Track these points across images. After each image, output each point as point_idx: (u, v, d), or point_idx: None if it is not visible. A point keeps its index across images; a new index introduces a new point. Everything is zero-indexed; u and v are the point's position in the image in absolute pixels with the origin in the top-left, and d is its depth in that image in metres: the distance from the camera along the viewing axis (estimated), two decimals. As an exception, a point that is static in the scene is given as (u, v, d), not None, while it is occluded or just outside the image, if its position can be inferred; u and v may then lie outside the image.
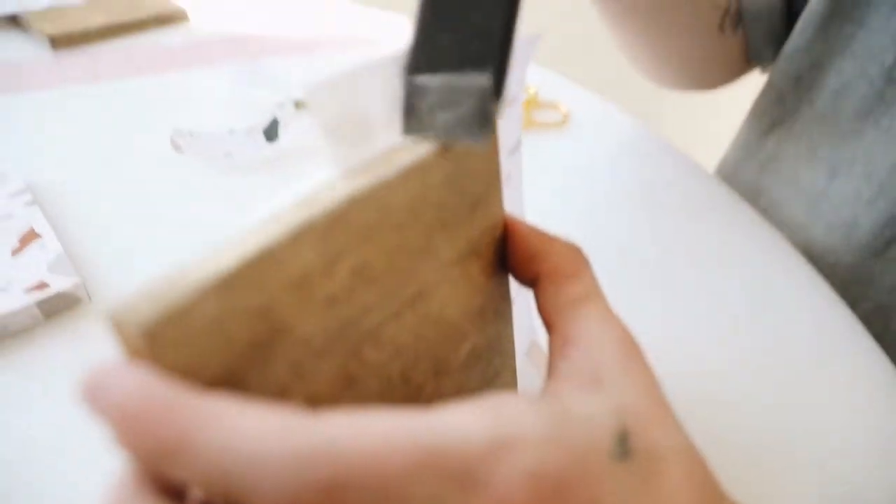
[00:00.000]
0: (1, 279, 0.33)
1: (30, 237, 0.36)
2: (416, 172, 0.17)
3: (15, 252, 0.35)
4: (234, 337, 0.14)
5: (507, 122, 0.23)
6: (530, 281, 0.22)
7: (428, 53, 0.18)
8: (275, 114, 0.46)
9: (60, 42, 0.61)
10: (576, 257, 0.21)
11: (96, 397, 0.13)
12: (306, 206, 0.16)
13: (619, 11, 0.46)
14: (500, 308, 0.23)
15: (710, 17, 0.47)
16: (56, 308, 0.33)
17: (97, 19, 0.64)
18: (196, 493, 0.13)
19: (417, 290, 0.19)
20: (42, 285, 0.33)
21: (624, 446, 0.16)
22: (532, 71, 0.60)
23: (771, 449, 0.29)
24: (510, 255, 0.22)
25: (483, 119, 0.17)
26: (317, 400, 0.16)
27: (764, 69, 0.53)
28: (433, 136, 0.18)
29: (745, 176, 0.51)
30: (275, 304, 0.15)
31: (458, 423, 0.14)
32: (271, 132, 0.45)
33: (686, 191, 0.46)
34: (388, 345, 0.18)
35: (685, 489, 0.17)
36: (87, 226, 0.40)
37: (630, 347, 0.19)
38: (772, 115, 0.48)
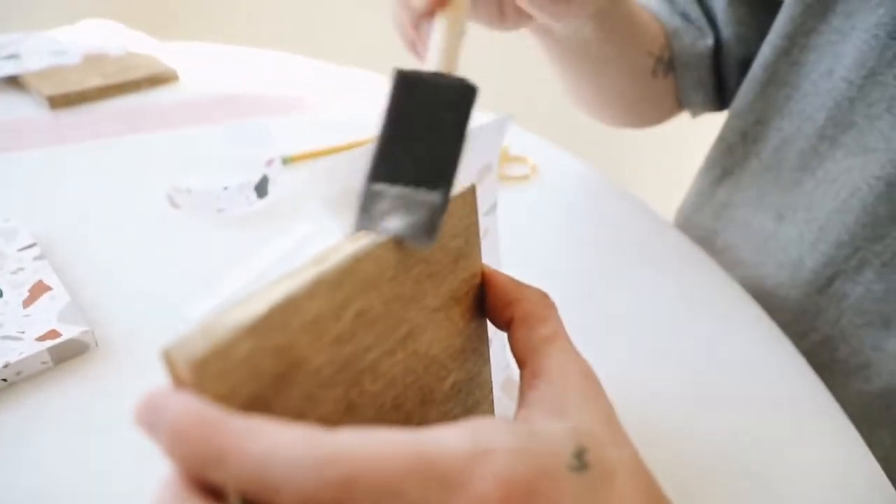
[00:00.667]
0: (14, 328, 0.36)
1: (40, 289, 0.39)
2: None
3: (26, 303, 0.38)
4: (261, 370, 0.18)
5: (485, 187, 0.27)
6: (505, 324, 0.26)
7: (387, 166, 0.22)
8: (264, 171, 0.50)
9: (58, 102, 0.65)
10: (545, 302, 0.25)
11: (151, 417, 0.16)
12: (318, 263, 0.19)
13: (557, 52, 0.50)
14: (480, 348, 0.27)
15: (643, 63, 0.53)
16: (66, 354, 0.36)
17: (93, 80, 0.68)
18: (232, 493, 0.16)
19: (408, 330, 0.22)
20: (53, 333, 0.36)
21: (581, 460, 0.20)
22: (502, 127, 0.65)
23: (722, 477, 0.33)
24: (488, 301, 0.26)
25: (432, 229, 0.21)
26: (325, 423, 0.20)
27: (694, 114, 0.58)
28: (381, 235, 0.21)
29: (701, 221, 0.56)
30: (294, 343, 0.18)
31: (444, 437, 0.18)
32: (262, 188, 0.49)
33: (644, 238, 0.50)
34: (383, 377, 0.22)
35: (634, 497, 0.20)
36: (92, 276, 0.43)
37: (590, 380, 0.23)
38: (723, 166, 0.53)
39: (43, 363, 0.35)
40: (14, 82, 0.70)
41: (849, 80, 0.42)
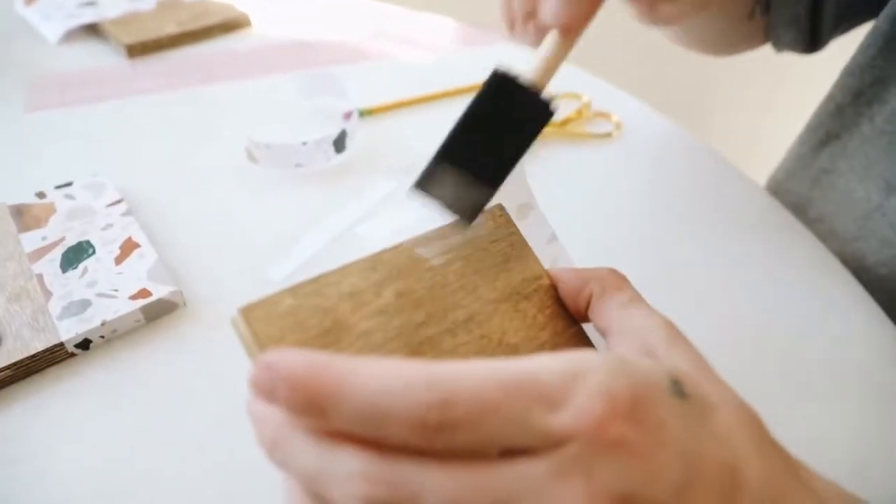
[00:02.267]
0: (108, 286, 0.37)
1: (129, 246, 0.40)
2: (433, 240, 0.26)
3: (118, 260, 0.39)
4: (306, 323, 0.22)
5: (532, 221, 0.30)
6: (583, 311, 0.26)
7: (458, 152, 0.25)
8: (343, 125, 0.49)
9: (135, 50, 0.65)
10: (616, 275, 0.26)
11: (267, 377, 0.18)
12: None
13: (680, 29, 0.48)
14: (580, 347, 0.27)
15: (743, 8, 0.49)
16: (157, 313, 0.37)
17: (168, 27, 0.68)
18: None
19: (468, 315, 0.25)
20: (144, 293, 0.36)
21: (678, 388, 0.19)
22: (584, 81, 0.61)
23: (811, 460, 0.31)
24: (562, 297, 0.27)
25: (472, 215, 0.26)
26: None
27: (779, 50, 0.54)
28: (431, 199, 0.26)
29: (796, 187, 0.52)
30: (334, 307, 0.23)
31: (540, 360, 0.18)
32: (340, 143, 0.48)
33: (735, 203, 0.47)
34: (450, 353, 0.24)
35: (739, 430, 0.20)
36: (175, 232, 0.43)
37: (675, 332, 0.23)
38: (828, 129, 0.49)
39: (136, 321, 0.36)
40: (93, 30, 0.70)
41: None
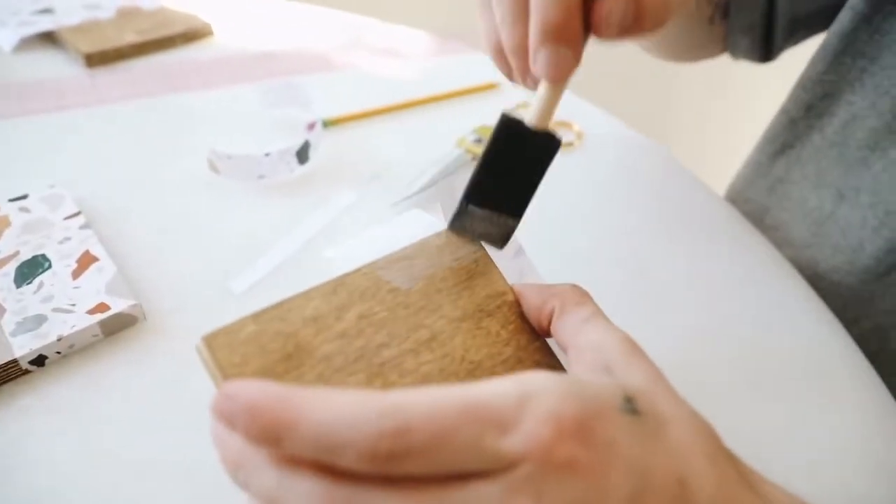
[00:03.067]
0: (66, 300, 0.36)
1: (87, 259, 0.39)
2: (397, 261, 0.27)
3: (75, 274, 0.38)
4: (268, 348, 0.22)
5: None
6: (546, 326, 0.27)
7: (480, 193, 0.28)
8: (306, 136, 0.49)
9: (95, 60, 0.64)
10: (578, 291, 0.27)
11: (228, 405, 0.19)
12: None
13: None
14: (548, 362, 0.28)
15: (703, 13, 0.51)
16: (116, 327, 0.36)
17: (128, 36, 0.67)
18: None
19: (430, 334, 0.25)
20: (103, 307, 0.36)
21: (631, 405, 0.20)
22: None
23: (765, 462, 0.32)
24: (525, 311, 0.28)
25: (504, 241, 0.30)
26: None
27: (735, 58, 0.56)
28: (467, 236, 0.29)
29: (754, 195, 0.54)
30: (296, 332, 0.23)
31: (491, 385, 0.19)
32: (303, 154, 0.48)
33: (694, 211, 0.49)
34: (413, 374, 0.24)
35: (692, 443, 0.20)
36: (136, 245, 0.43)
37: (632, 347, 0.24)
38: (783, 139, 0.50)
39: (94, 336, 0.35)
40: (49, 38, 0.69)
41: None
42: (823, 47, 0.45)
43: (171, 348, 0.36)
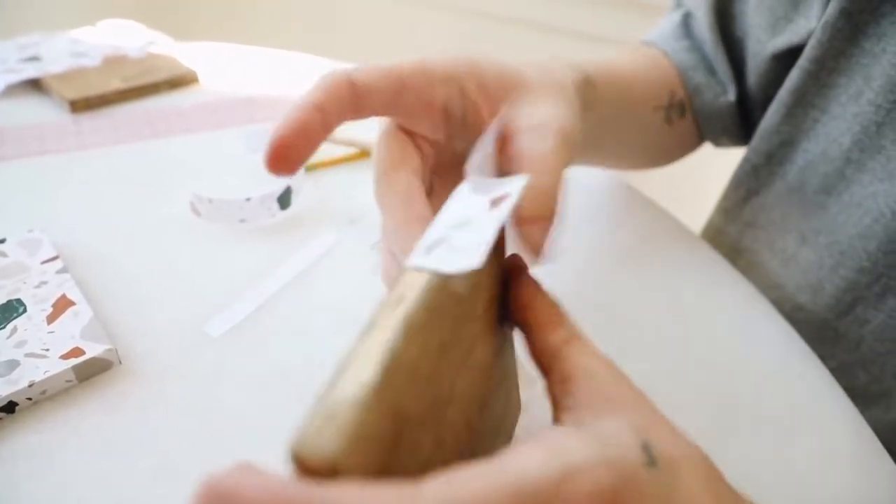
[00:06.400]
0: (39, 345, 0.36)
1: (63, 304, 0.39)
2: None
3: (50, 319, 0.38)
4: (382, 438, 0.17)
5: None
6: (517, 324, 0.26)
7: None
8: (288, 181, 0.49)
9: (79, 106, 0.65)
10: (557, 309, 0.26)
11: (227, 499, 0.16)
12: (398, 303, 0.19)
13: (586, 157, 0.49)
14: (509, 339, 0.27)
15: (653, 120, 0.51)
16: (90, 372, 0.36)
17: (113, 83, 0.68)
18: None
19: (468, 347, 0.22)
20: (77, 351, 0.36)
21: (650, 455, 0.20)
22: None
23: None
24: (512, 300, 0.26)
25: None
26: (423, 466, 0.20)
27: (719, 147, 0.58)
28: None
29: (727, 238, 0.55)
30: (401, 400, 0.18)
31: (527, 465, 0.18)
32: (284, 200, 0.49)
33: (670, 249, 0.49)
34: (459, 401, 0.22)
35: (702, 490, 0.21)
36: (114, 289, 0.43)
37: (619, 375, 0.24)
38: (748, 186, 0.52)
39: (67, 381, 0.35)
40: (35, 85, 0.70)
41: (877, 105, 0.41)
42: (778, 101, 0.48)
43: (146, 393, 0.36)
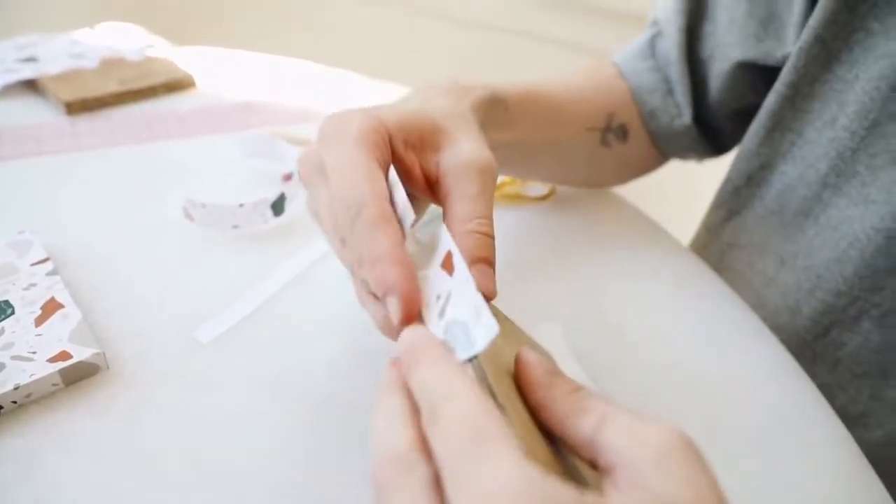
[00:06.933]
0: (26, 348, 0.36)
1: (52, 307, 0.39)
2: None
3: (38, 321, 0.37)
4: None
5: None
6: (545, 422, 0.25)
7: None
8: (281, 188, 0.49)
9: (75, 108, 0.65)
10: (576, 393, 0.24)
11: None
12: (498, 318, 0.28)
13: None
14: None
15: (587, 140, 0.51)
16: (77, 376, 0.35)
17: (110, 86, 0.68)
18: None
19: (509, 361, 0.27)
20: (64, 355, 0.35)
21: None
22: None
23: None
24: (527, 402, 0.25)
25: None
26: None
27: (699, 161, 0.58)
28: None
29: (711, 256, 0.56)
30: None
31: None
32: (278, 207, 0.49)
33: (663, 263, 0.49)
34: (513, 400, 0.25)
35: None
36: (104, 292, 0.42)
37: (666, 451, 0.21)
38: (729, 206, 0.53)
39: (54, 385, 0.35)
40: (31, 85, 0.70)
41: (851, 130, 0.42)
42: (756, 123, 0.49)
43: (134, 398, 0.36)
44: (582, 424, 0.23)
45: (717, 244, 0.55)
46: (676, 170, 0.65)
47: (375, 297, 0.30)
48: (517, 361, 0.26)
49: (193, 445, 0.33)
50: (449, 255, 0.29)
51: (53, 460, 0.32)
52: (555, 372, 0.25)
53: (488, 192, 0.32)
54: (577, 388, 0.24)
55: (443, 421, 0.21)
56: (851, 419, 0.44)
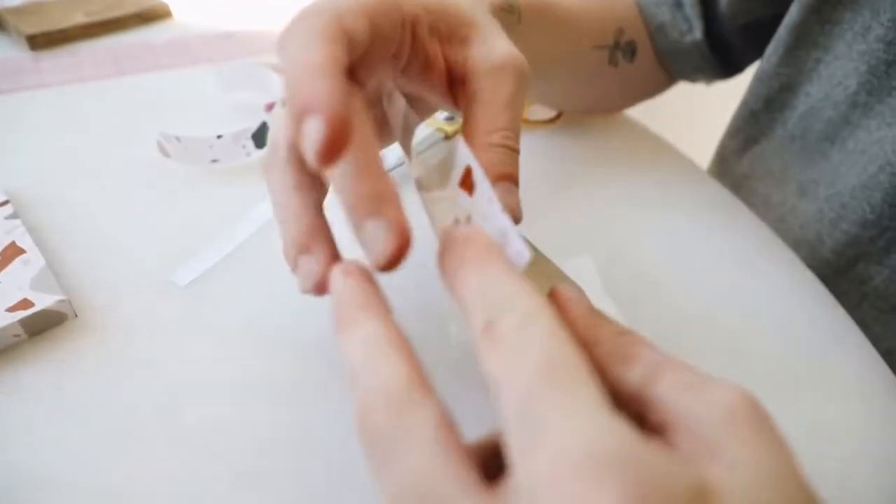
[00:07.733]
0: (-18, 297, 0.32)
1: (11, 252, 0.35)
2: None
3: (-4, 268, 0.34)
4: None
5: None
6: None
7: None
8: (263, 118, 0.45)
9: (39, 42, 0.60)
10: (624, 337, 0.20)
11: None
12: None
13: None
14: None
15: (595, 58, 0.46)
16: (41, 326, 0.32)
17: (76, 17, 0.63)
18: None
19: None
20: (26, 303, 0.32)
21: None
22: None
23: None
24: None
25: None
26: None
27: (707, 84, 0.53)
28: None
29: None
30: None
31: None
32: (260, 137, 0.44)
33: (679, 186, 0.46)
34: None
35: None
36: (72, 236, 0.39)
37: (732, 413, 0.17)
38: (746, 134, 0.49)
39: (15, 336, 0.31)
40: (-8, 20, 0.64)
41: (887, 41, 0.37)
42: (776, 41, 0.44)
43: (105, 349, 0.32)
44: (630, 373, 0.18)
45: (732, 176, 0.52)
46: (685, 92, 0.60)
47: (307, 248, 0.25)
48: (554, 297, 0.22)
49: (169, 399, 0.30)
50: (468, 172, 0.24)
51: (16, 417, 0.29)
52: (598, 311, 0.21)
53: (519, 101, 0.27)
54: (624, 332, 0.20)
55: (509, 341, 0.16)
56: None
